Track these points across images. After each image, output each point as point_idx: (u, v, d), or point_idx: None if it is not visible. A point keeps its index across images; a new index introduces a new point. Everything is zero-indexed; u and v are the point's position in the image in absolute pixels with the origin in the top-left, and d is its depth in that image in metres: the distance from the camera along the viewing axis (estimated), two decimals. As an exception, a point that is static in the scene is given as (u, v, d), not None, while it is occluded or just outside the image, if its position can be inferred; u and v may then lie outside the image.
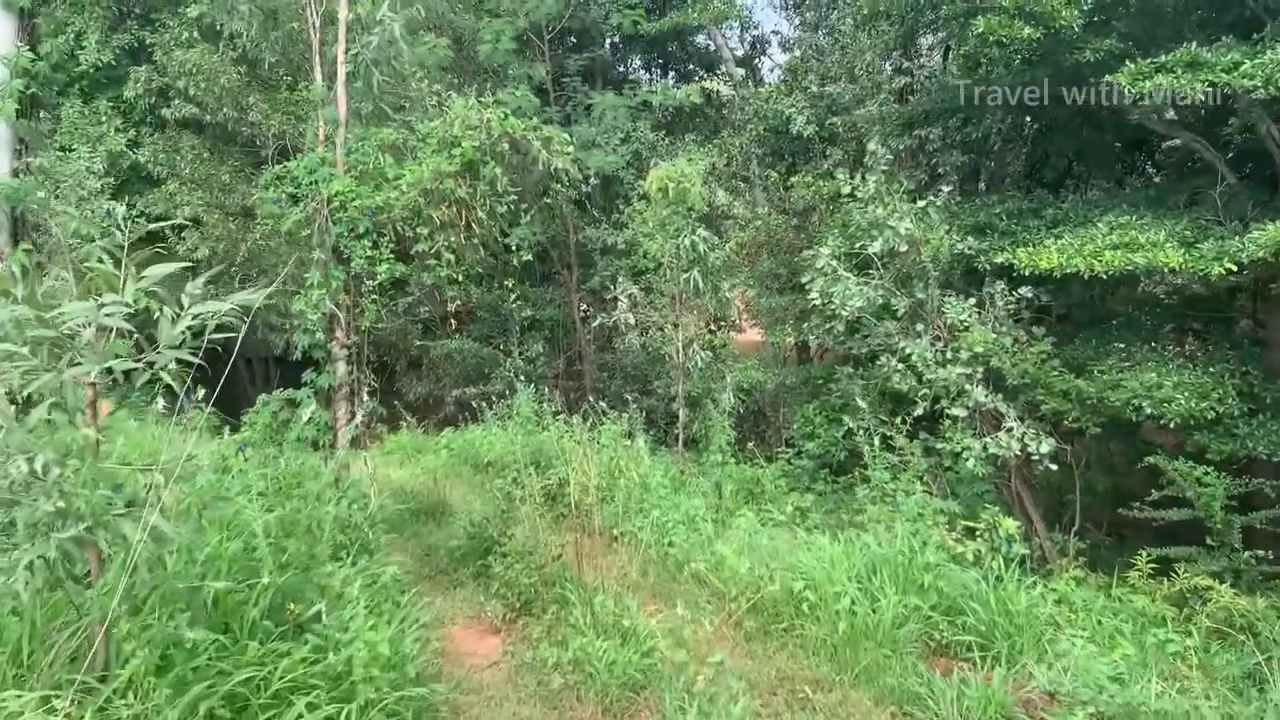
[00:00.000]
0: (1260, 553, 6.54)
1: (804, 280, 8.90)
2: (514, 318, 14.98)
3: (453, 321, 16.97)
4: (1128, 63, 7.42)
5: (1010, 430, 7.38)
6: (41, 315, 2.32)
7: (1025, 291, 7.91)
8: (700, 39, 19.17)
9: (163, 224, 6.37)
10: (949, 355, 7.83)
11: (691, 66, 19.63)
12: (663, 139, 15.17)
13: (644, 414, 8.93)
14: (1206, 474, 6.84)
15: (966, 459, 7.42)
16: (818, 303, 8.62)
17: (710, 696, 3.72)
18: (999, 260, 8.27)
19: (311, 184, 5.97)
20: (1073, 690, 4.05)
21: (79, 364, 2.36)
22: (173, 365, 2.55)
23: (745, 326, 15.62)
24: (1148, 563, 5.90)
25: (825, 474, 9.68)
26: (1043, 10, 7.64)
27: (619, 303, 11.41)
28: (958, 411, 7.61)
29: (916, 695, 4.13)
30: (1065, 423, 7.89)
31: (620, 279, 12.08)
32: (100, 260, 2.45)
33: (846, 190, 8.82)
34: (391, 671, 3.41)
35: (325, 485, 5.12)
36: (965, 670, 4.25)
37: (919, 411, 7.82)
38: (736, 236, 13.84)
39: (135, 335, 2.53)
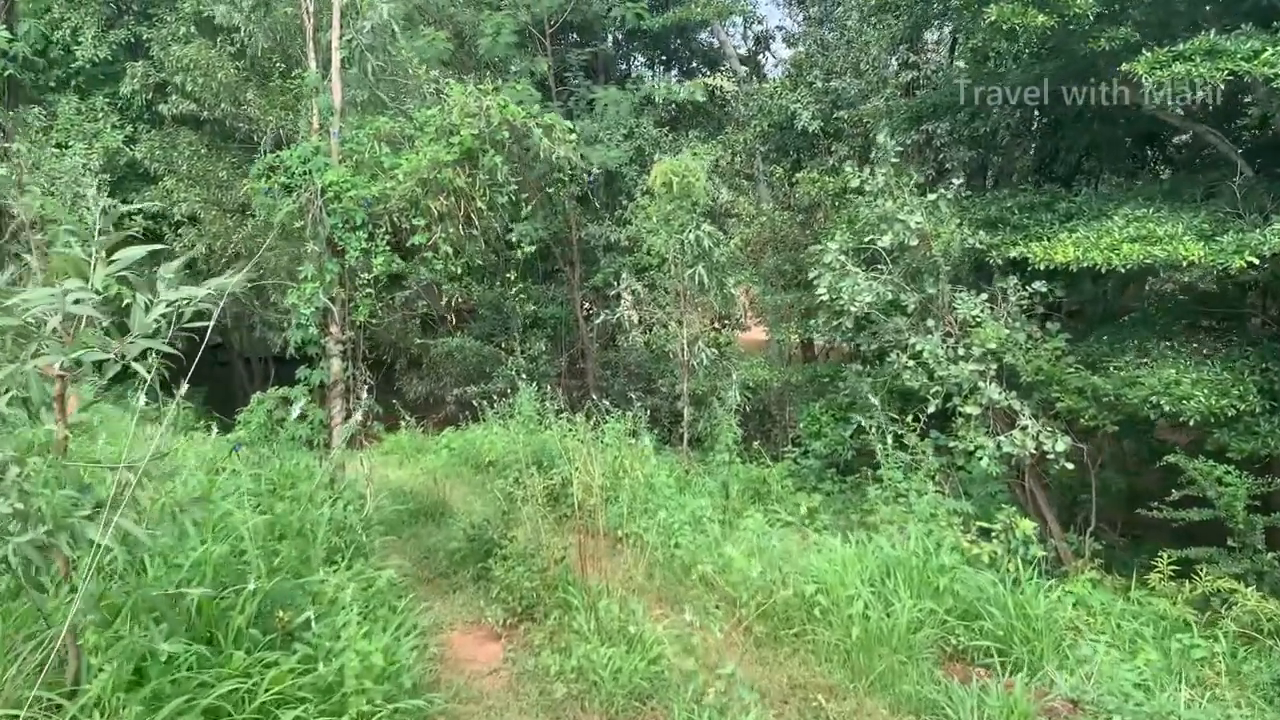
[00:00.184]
0: (1285, 554, 6.39)
1: (811, 276, 8.74)
2: (516, 315, 14.83)
3: (453, 318, 16.82)
4: (1144, 52, 7.25)
5: (1025, 428, 7.22)
6: (1, 302, 2.15)
7: (1039, 286, 7.75)
8: (704, 35, 19.00)
9: (151, 216, 6.19)
10: (961, 352, 7.69)
11: (695, 64, 19.45)
12: (666, 135, 15.00)
13: (648, 412, 8.76)
14: (1227, 473, 6.70)
15: (980, 458, 7.26)
16: (825, 298, 8.45)
17: (720, 708, 3.55)
18: (1011, 255, 8.15)
19: (305, 174, 5.81)
20: (1097, 698, 3.90)
21: (44, 354, 2.18)
22: (151, 356, 2.38)
23: (750, 325, 15.46)
24: (1169, 564, 5.72)
25: (832, 474, 9.54)
26: (1057, -4, 7.46)
27: (622, 299, 11.24)
28: (970, 409, 7.45)
29: (934, 703, 3.98)
30: (1081, 421, 7.72)
31: (624, 276, 11.91)
32: (68, 245, 2.28)
33: (855, 184, 8.66)
34: (385, 682, 3.26)
35: (319, 486, 4.95)
36: (984, 677, 4.11)
37: (931, 409, 7.65)
38: (741, 233, 13.69)
39: (105, 325, 2.35)
